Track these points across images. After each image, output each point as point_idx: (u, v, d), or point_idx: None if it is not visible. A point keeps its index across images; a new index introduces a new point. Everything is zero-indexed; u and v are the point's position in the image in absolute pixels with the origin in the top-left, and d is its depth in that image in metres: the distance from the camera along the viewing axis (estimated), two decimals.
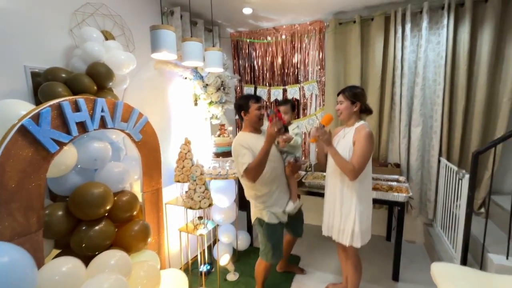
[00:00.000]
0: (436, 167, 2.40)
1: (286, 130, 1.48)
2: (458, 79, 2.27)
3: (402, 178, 2.32)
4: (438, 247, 2.19)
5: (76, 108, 1.16)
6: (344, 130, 1.66)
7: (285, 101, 2.07)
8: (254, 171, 1.52)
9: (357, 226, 1.55)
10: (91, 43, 1.44)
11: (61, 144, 1.09)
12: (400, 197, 1.93)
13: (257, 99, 1.66)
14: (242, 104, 1.65)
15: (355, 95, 1.58)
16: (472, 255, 1.87)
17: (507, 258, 1.55)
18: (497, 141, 1.60)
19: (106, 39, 1.63)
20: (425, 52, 2.32)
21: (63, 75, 1.35)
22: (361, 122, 1.59)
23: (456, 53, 2.25)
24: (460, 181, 1.87)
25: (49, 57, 1.44)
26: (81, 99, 1.17)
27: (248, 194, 1.71)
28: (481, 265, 1.71)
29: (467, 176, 1.73)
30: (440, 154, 2.39)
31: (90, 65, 1.42)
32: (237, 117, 3.16)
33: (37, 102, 1.31)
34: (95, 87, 1.42)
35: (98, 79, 1.42)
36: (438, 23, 2.28)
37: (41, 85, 1.28)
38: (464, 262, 1.73)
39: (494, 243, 1.77)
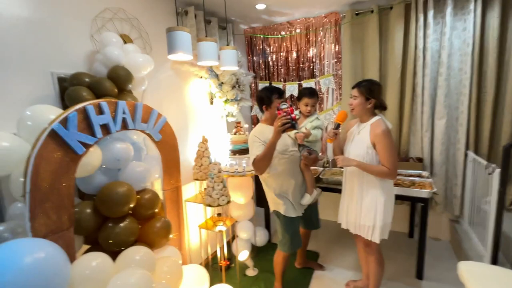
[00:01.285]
0: (462, 161, 2.29)
1: (293, 126, 1.44)
2: (487, 68, 2.13)
3: (425, 173, 2.23)
4: (465, 244, 2.10)
5: (100, 111, 1.21)
6: (359, 126, 1.61)
7: (312, 92, 1.83)
8: (260, 163, 1.55)
9: (380, 219, 1.52)
10: (110, 48, 1.49)
11: (87, 146, 1.15)
12: (423, 193, 1.86)
13: (280, 93, 1.66)
14: (264, 98, 1.66)
15: (370, 91, 1.50)
16: (503, 254, 1.77)
17: None
18: None
19: (125, 42, 1.67)
20: (450, 40, 2.19)
21: (87, 80, 1.41)
22: (376, 118, 1.53)
23: (485, 40, 2.11)
24: (489, 175, 1.77)
25: (73, 62, 1.51)
26: (104, 103, 1.22)
27: (265, 186, 1.75)
28: None
29: (497, 170, 1.63)
30: (467, 148, 2.27)
31: (111, 69, 1.48)
32: (252, 113, 3.18)
33: (64, 106, 1.38)
34: (116, 90, 1.47)
35: (119, 82, 1.48)
36: (464, 8, 2.14)
37: (67, 89, 1.35)
38: (494, 261, 1.64)
39: None
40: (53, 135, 1.04)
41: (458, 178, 2.33)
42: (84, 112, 1.14)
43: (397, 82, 2.39)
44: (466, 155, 2.27)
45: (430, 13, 2.20)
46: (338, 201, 1.80)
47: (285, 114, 1.42)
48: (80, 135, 1.11)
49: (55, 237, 1.03)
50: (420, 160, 2.41)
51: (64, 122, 1.07)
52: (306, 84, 2.84)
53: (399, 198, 1.97)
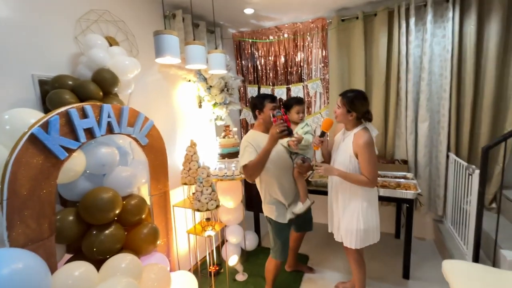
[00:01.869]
0: (444, 163, 2.37)
1: (290, 133, 1.45)
2: (465, 73, 2.22)
3: (410, 175, 2.29)
4: (448, 244, 2.16)
5: (84, 114, 1.18)
6: (344, 133, 1.65)
7: (300, 100, 1.90)
8: (251, 170, 1.53)
9: (362, 224, 1.55)
10: (95, 50, 1.45)
11: (70, 151, 1.11)
12: (408, 194, 1.91)
13: (273, 99, 1.67)
14: (257, 103, 1.67)
15: (352, 105, 1.50)
16: (484, 252, 1.84)
17: None
18: (507, 135, 1.57)
19: (110, 45, 1.64)
20: (431, 46, 2.28)
21: (70, 83, 1.37)
22: (360, 127, 1.54)
23: (463, 46, 2.20)
24: (470, 176, 1.84)
25: (56, 65, 1.46)
26: (88, 106, 1.19)
27: (259, 191, 1.74)
28: (494, 262, 1.68)
29: (477, 171, 1.70)
30: (448, 150, 2.35)
31: (96, 72, 1.44)
32: (241, 116, 3.18)
33: (46, 110, 1.33)
34: (101, 93, 1.44)
35: (104, 85, 1.44)
36: (443, 16, 2.24)
37: (49, 93, 1.30)
38: (476, 259, 1.70)
39: (507, 239, 1.73)
40: (33, 139, 1.00)
41: (441, 179, 2.41)
42: (66, 115, 1.10)
43: (382, 86, 2.46)
44: (447, 156, 2.36)
45: (412, 20, 2.28)
46: (326, 204, 1.82)
47: (281, 121, 1.43)
48: (62, 140, 1.08)
49: (35, 246, 0.99)
50: (405, 162, 2.48)
51: (45, 126, 1.03)
52: (294, 88, 2.88)
53: (385, 199, 2.01)
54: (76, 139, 1.14)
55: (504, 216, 2.03)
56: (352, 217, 1.57)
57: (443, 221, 2.51)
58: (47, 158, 1.04)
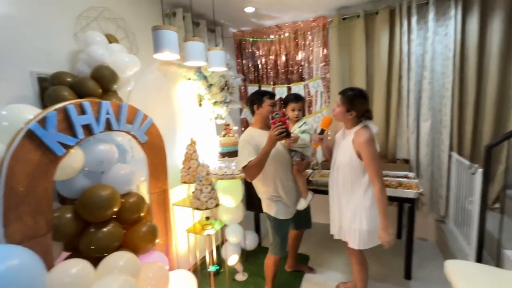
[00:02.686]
0: (446, 162, 2.34)
1: (288, 135, 1.45)
2: (467, 71, 2.20)
3: (411, 174, 2.27)
4: (451, 244, 2.14)
5: (82, 111, 1.17)
6: (344, 132, 1.62)
7: (297, 97, 1.84)
8: (251, 171, 1.54)
9: (365, 225, 1.52)
10: (95, 47, 1.45)
11: (67, 147, 1.10)
12: (410, 193, 1.89)
13: (272, 95, 1.68)
14: (255, 98, 1.67)
15: (351, 104, 1.49)
16: (487, 252, 1.81)
17: None
18: (510, 134, 1.55)
19: (110, 42, 1.63)
20: (432, 44, 2.26)
21: (69, 79, 1.36)
22: (360, 126, 1.52)
23: (465, 44, 2.18)
24: (472, 176, 1.82)
25: (55, 62, 1.45)
26: (86, 102, 1.18)
27: (257, 190, 1.74)
28: (497, 262, 1.66)
29: (480, 170, 1.68)
30: (450, 149, 2.33)
31: (95, 69, 1.43)
32: (242, 116, 3.17)
33: (44, 107, 1.31)
34: (100, 90, 1.43)
35: (103, 82, 1.43)
36: (445, 14, 2.22)
37: (47, 89, 1.29)
38: (479, 259, 1.68)
39: (511, 239, 1.71)
40: (30, 135, 0.99)
41: (443, 178, 2.38)
42: (64, 111, 1.09)
43: (383, 85, 2.44)
44: (450, 156, 2.33)
45: (414, 19, 2.27)
46: (327, 203, 1.79)
47: (280, 123, 1.43)
48: (59, 136, 1.07)
49: (31, 243, 0.98)
50: (406, 161, 2.45)
51: (43, 122, 1.02)
52: (295, 87, 2.86)
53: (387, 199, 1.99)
54: (74, 135, 1.13)
55: (507, 216, 2.00)
56: (355, 217, 1.54)
57: (445, 221, 2.48)
58: (44, 154, 1.03)
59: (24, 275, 0.81)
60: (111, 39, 1.68)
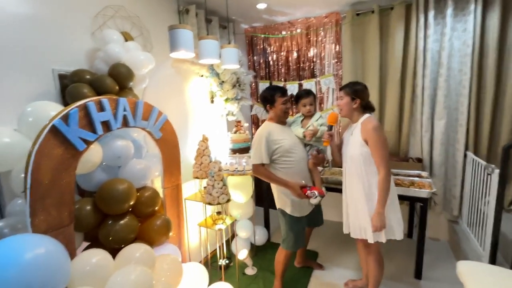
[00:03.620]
0: (461, 162, 2.29)
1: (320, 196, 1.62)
2: (486, 69, 2.13)
3: (424, 174, 2.24)
4: (464, 245, 2.11)
5: (101, 108, 1.21)
6: (351, 127, 1.65)
7: (308, 92, 1.83)
8: (259, 174, 1.70)
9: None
10: (112, 45, 1.49)
11: (88, 143, 1.15)
12: (423, 193, 1.87)
13: (283, 92, 1.70)
14: (268, 97, 1.71)
15: (355, 92, 1.57)
16: (502, 254, 1.78)
17: None
18: None
19: (126, 40, 1.68)
20: (450, 40, 2.20)
21: (88, 77, 1.41)
22: (366, 116, 1.58)
23: (485, 41, 2.11)
24: (488, 176, 1.77)
25: (74, 59, 1.51)
26: (105, 99, 1.22)
27: (273, 185, 1.77)
28: None
29: (496, 171, 1.64)
30: (466, 148, 2.28)
31: (112, 66, 1.48)
32: (252, 112, 3.18)
33: (65, 103, 1.38)
34: (117, 87, 1.47)
35: (119, 79, 1.48)
36: (465, 10, 2.15)
37: (68, 86, 1.35)
38: (493, 261, 1.65)
39: None
40: (54, 131, 1.04)
41: (457, 178, 2.34)
42: (85, 108, 1.14)
43: (397, 82, 2.40)
44: (465, 155, 2.28)
45: (431, 14, 2.20)
46: (337, 200, 1.80)
47: (312, 192, 1.61)
48: (81, 132, 1.11)
49: (56, 233, 1.03)
50: (419, 160, 2.41)
51: (65, 118, 1.07)
52: (306, 83, 2.85)
53: (399, 198, 1.96)
54: (94, 131, 1.17)
55: None
56: (370, 209, 1.53)
57: (458, 222, 2.44)
58: (67, 149, 1.08)
59: (50, 262, 0.86)
60: (126, 37, 1.72)
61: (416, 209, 2.54)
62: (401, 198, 1.96)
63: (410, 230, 2.64)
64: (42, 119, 1.10)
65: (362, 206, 1.58)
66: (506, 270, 1.39)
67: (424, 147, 2.40)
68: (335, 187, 2.11)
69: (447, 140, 2.35)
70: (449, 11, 2.15)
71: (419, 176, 2.20)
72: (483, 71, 2.16)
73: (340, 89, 1.66)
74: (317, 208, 1.94)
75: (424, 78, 2.31)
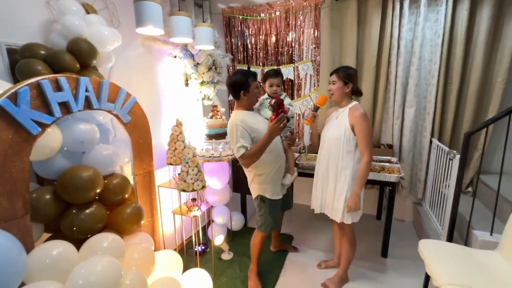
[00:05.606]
0: (427, 148, 2.43)
1: (288, 120, 1.53)
2: (454, 59, 2.23)
3: (394, 159, 2.35)
4: (426, 225, 2.27)
5: (58, 87, 1.09)
6: (337, 111, 1.67)
7: (276, 73, 1.79)
8: (250, 159, 1.56)
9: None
10: (70, 17, 1.33)
11: (43, 126, 1.04)
12: (392, 177, 1.96)
13: (255, 76, 1.64)
14: (243, 81, 1.58)
15: (348, 76, 1.58)
16: (458, 232, 1.95)
17: (491, 234, 1.61)
18: (489, 122, 1.61)
19: (87, 13, 1.51)
20: (423, 30, 2.26)
21: (42, 52, 1.25)
22: (354, 103, 1.61)
23: (454, 31, 2.19)
24: (450, 161, 1.90)
25: (26, 32, 1.33)
26: (62, 78, 1.10)
27: (249, 172, 1.73)
28: (466, 242, 1.78)
29: (457, 156, 1.76)
30: (432, 135, 2.41)
31: (71, 41, 1.32)
32: (230, 97, 3.10)
33: (15, 81, 1.22)
34: (78, 65, 1.33)
35: (80, 56, 1.33)
36: (437, 0, 2.20)
37: (18, 62, 1.19)
38: (450, 239, 1.79)
39: (480, 221, 1.83)
40: (1, 112, 0.92)
41: (423, 163, 2.48)
42: (38, 87, 1.02)
43: (372, 70, 2.44)
44: (430, 142, 2.41)
45: (406, 3, 2.23)
46: (310, 186, 1.84)
47: (282, 114, 1.47)
48: (34, 113, 1.00)
49: (8, 225, 0.94)
50: (390, 146, 2.52)
51: (14, 97, 0.95)
52: (284, 69, 2.81)
53: (370, 182, 2.06)
54: (50, 113, 1.06)
55: (478, 199, 2.13)
56: (345, 194, 1.60)
57: (422, 204, 2.62)
58: (17, 133, 0.97)
59: (1, 257, 0.78)
60: (88, 9, 1.55)
61: (385, 193, 2.68)
62: (372, 182, 2.06)
63: (379, 212, 2.80)
64: None
65: (333, 187, 1.64)
66: (460, 247, 1.52)
67: (395, 134, 2.50)
68: (310, 172, 2.15)
69: (416, 127, 2.47)
70: (423, 0, 2.19)
71: (389, 161, 2.31)
72: (450, 61, 2.25)
73: (331, 74, 1.63)
74: (289, 192, 1.99)
75: (398, 66, 2.38)
